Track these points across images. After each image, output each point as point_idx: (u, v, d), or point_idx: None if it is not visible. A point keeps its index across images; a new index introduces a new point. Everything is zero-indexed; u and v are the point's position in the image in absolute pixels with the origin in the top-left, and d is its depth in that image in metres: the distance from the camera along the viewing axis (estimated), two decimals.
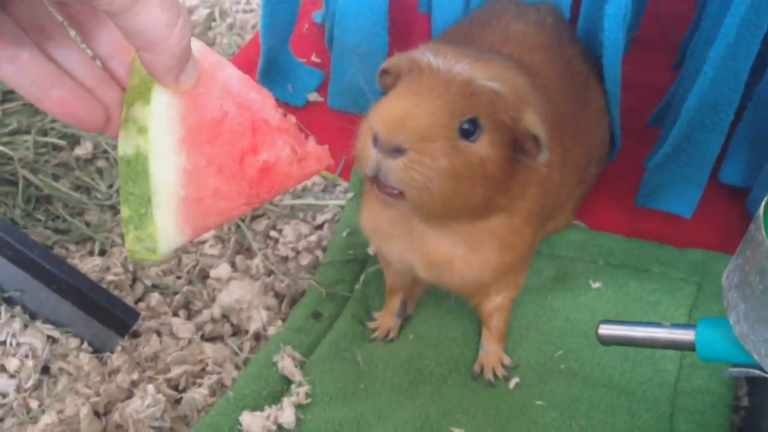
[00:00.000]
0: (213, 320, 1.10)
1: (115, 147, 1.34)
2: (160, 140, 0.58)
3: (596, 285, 1.10)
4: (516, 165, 0.85)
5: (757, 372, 0.63)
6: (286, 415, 0.91)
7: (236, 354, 1.05)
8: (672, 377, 0.98)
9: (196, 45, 0.59)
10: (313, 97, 1.43)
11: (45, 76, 0.57)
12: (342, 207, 1.25)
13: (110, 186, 1.28)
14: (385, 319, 1.06)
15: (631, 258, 1.14)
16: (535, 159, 0.84)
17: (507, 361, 1.00)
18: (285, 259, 1.19)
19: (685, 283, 1.11)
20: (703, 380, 0.97)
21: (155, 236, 0.59)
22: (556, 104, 1.01)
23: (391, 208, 0.90)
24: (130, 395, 0.98)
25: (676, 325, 0.69)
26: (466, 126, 0.79)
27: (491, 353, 1.00)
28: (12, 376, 0.99)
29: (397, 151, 0.76)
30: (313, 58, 1.53)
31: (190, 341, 1.06)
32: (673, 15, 1.58)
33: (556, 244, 1.17)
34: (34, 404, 0.97)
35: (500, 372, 0.99)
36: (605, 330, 0.73)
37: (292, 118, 0.65)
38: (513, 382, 0.98)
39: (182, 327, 1.07)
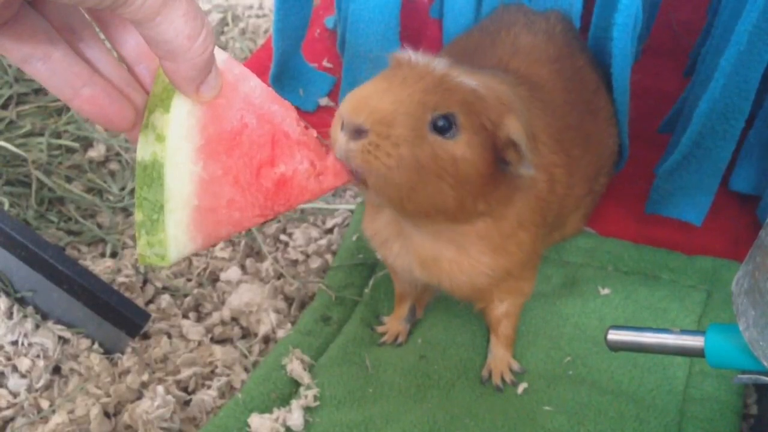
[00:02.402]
0: (223, 323, 1.10)
1: (127, 150, 1.35)
2: (177, 149, 0.58)
3: (605, 291, 1.09)
4: (499, 171, 0.83)
5: (767, 379, 0.62)
6: (295, 417, 0.91)
7: (245, 356, 1.05)
8: (681, 384, 0.97)
9: (222, 56, 0.59)
10: (325, 101, 1.44)
11: (76, 74, 0.58)
12: (352, 211, 1.26)
13: (122, 188, 1.29)
14: (394, 324, 1.06)
15: (641, 265, 1.14)
16: (518, 169, 0.82)
17: (515, 366, 1.00)
18: (295, 262, 1.20)
19: (695, 290, 1.10)
20: (712, 388, 0.96)
21: (165, 243, 0.60)
22: (562, 116, 1.00)
23: (384, 211, 0.90)
24: (139, 396, 0.98)
25: (685, 331, 0.69)
26: (440, 122, 0.77)
27: (499, 358, 1.00)
28: (23, 376, 0.99)
29: (358, 132, 0.74)
30: (325, 63, 1.53)
31: (199, 343, 1.07)
32: (684, 22, 1.58)
33: (565, 251, 1.17)
34: (44, 404, 0.97)
35: (508, 377, 0.99)
36: (614, 336, 0.73)
37: (314, 132, 0.66)
38: (521, 388, 0.98)
39: (192, 329, 1.08)
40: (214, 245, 1.15)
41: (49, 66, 0.57)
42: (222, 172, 0.61)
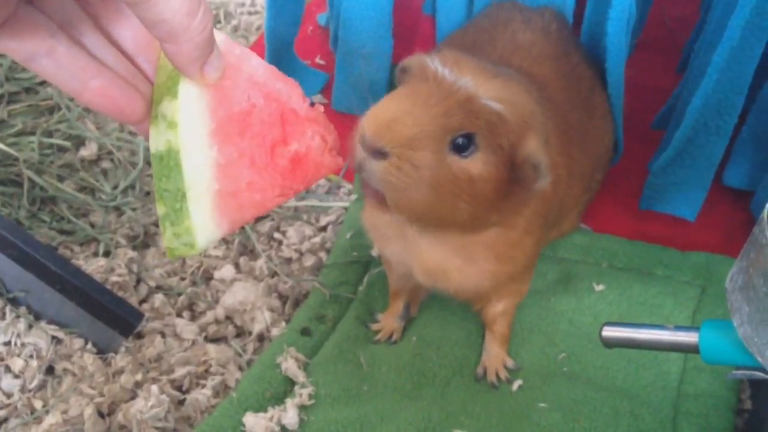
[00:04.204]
0: (217, 321, 1.10)
1: (120, 149, 1.35)
2: (190, 133, 0.58)
3: (599, 288, 1.10)
4: (512, 185, 0.83)
5: (761, 374, 0.63)
6: (290, 416, 0.91)
7: (240, 355, 1.05)
8: (675, 380, 0.98)
9: (220, 37, 0.58)
10: (318, 98, 1.44)
11: (83, 68, 0.57)
12: (346, 209, 1.25)
13: (115, 187, 1.29)
14: (389, 321, 1.06)
15: (635, 261, 1.14)
16: (532, 186, 0.82)
17: (510, 363, 1.00)
18: (289, 260, 1.19)
19: (689, 286, 1.10)
20: (707, 383, 0.97)
21: (192, 230, 0.59)
22: (564, 115, 1.00)
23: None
24: (134, 396, 0.98)
25: (679, 328, 0.69)
26: (459, 140, 0.77)
27: (494, 356, 1.00)
28: (17, 377, 0.99)
29: (380, 153, 0.75)
30: (318, 60, 1.53)
31: (193, 342, 1.06)
32: (677, 18, 1.58)
33: (559, 247, 1.17)
34: (38, 404, 0.97)
35: (503, 375, 0.99)
36: (609, 332, 0.73)
37: (320, 108, 0.65)
38: (516, 385, 0.98)
39: (186, 328, 1.07)
40: (239, 229, 1.14)
41: (54, 61, 0.56)
42: (238, 155, 0.60)
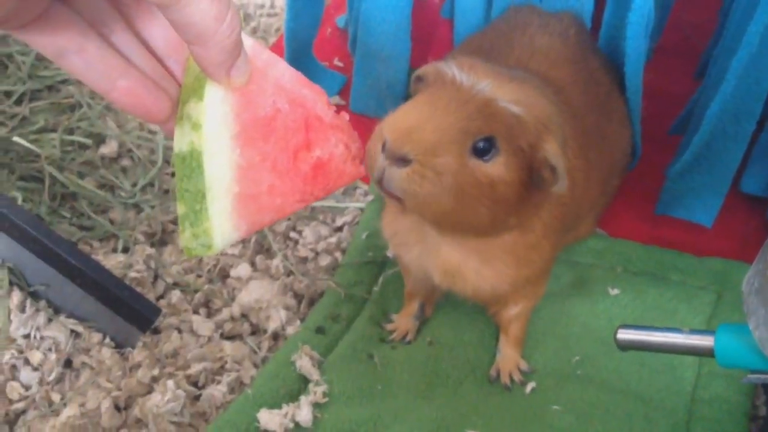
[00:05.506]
0: (232, 319, 1.11)
1: (139, 147, 1.36)
2: (214, 136, 0.58)
3: (614, 292, 1.10)
4: (530, 189, 0.83)
5: None
6: (304, 413, 0.92)
7: (255, 352, 1.06)
8: (689, 385, 0.97)
9: (248, 42, 0.59)
10: (335, 100, 1.45)
11: (112, 67, 0.58)
12: (362, 210, 1.26)
13: (134, 185, 1.30)
14: (403, 322, 1.06)
15: (650, 266, 1.14)
16: (550, 188, 0.82)
17: (524, 366, 1.00)
18: (304, 260, 1.20)
19: (704, 291, 1.10)
20: (721, 389, 0.96)
21: (210, 232, 0.60)
22: (582, 119, 1.00)
23: (407, 215, 0.91)
24: (150, 390, 0.99)
25: (695, 331, 0.69)
26: (480, 144, 0.78)
27: (508, 358, 1.00)
28: (35, 369, 1.00)
29: (402, 160, 0.76)
30: (336, 62, 1.54)
31: (209, 339, 1.07)
32: (695, 24, 1.58)
33: (574, 251, 1.17)
34: (56, 397, 0.98)
35: (517, 377, 0.99)
36: (624, 334, 0.73)
37: (346, 116, 0.66)
38: (529, 387, 0.98)
39: (202, 325, 1.08)
40: (257, 232, 1.15)
41: (84, 59, 0.57)
42: (260, 158, 0.60)
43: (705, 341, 0.68)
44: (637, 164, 1.25)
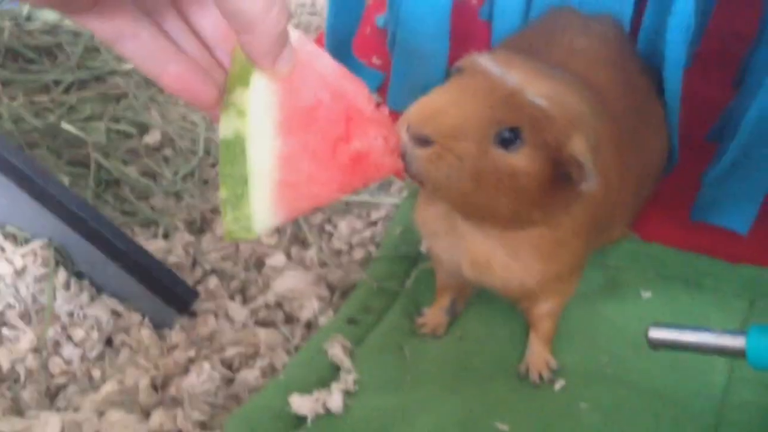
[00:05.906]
0: (267, 306, 1.13)
1: (181, 137, 1.40)
2: (258, 122, 0.60)
3: (646, 295, 1.10)
4: (558, 183, 0.83)
5: None
6: (335, 399, 0.94)
7: (288, 340, 1.08)
8: (719, 389, 0.97)
9: (294, 34, 0.61)
10: (374, 97, 1.47)
11: (164, 52, 0.61)
12: (397, 205, 1.28)
13: (175, 173, 1.34)
14: (434, 315, 1.08)
15: (683, 270, 1.14)
16: (579, 185, 0.82)
17: (553, 363, 1.01)
18: (338, 252, 1.22)
19: (737, 298, 1.10)
20: (752, 394, 0.96)
21: (251, 216, 0.61)
22: (619, 121, 1.00)
23: (437, 204, 0.92)
24: (186, 371, 1.01)
25: (726, 331, 0.70)
26: (505, 134, 0.78)
27: (538, 355, 1.01)
28: (77, 346, 1.04)
29: (423, 141, 0.76)
30: (374, 60, 1.56)
31: (244, 325, 1.10)
32: (734, 32, 1.57)
33: (607, 254, 1.17)
34: (96, 373, 1.01)
35: (546, 374, 1.00)
36: (655, 333, 0.74)
37: (386, 110, 0.67)
38: (558, 384, 0.99)
39: (238, 311, 1.11)
40: (293, 222, 1.17)
41: (138, 45, 0.60)
42: (301, 148, 0.62)
43: (737, 342, 0.69)
44: (673, 169, 1.25)
